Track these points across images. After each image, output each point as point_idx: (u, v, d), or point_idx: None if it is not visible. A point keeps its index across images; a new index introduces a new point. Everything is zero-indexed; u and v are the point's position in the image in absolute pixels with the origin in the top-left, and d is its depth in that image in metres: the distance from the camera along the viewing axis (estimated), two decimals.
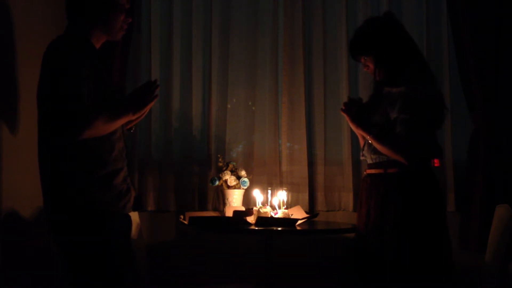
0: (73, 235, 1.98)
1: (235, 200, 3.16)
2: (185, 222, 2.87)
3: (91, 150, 1.98)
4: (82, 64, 1.95)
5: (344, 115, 2.54)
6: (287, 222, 2.69)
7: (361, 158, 2.62)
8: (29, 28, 2.56)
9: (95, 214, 1.98)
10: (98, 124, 1.94)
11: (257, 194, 2.95)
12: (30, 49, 2.49)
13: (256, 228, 2.62)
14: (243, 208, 3.04)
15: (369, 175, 2.51)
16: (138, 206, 2.20)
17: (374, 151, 2.47)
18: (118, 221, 2.05)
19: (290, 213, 2.87)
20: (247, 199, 3.25)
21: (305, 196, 3.42)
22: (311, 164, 3.48)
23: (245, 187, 3.19)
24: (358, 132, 2.54)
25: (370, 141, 2.46)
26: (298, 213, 2.99)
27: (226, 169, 3.20)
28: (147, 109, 2.11)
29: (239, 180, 3.17)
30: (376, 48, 2.47)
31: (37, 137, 2.04)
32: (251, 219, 2.79)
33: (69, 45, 1.99)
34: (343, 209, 3.46)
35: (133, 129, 2.32)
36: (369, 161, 2.52)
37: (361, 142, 2.62)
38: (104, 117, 1.96)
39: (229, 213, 3.00)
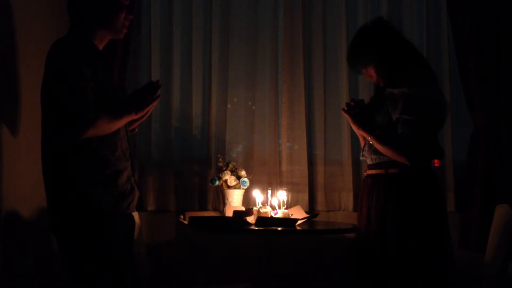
0: (73, 236, 1.98)
1: (235, 200, 3.15)
2: (185, 222, 2.87)
3: (94, 150, 1.99)
4: (84, 65, 1.96)
5: (346, 115, 2.53)
6: (287, 222, 2.69)
7: (361, 158, 2.61)
8: (31, 29, 2.56)
9: (96, 215, 1.98)
10: (100, 123, 1.95)
11: (257, 194, 2.95)
12: (32, 50, 2.49)
13: (256, 228, 2.62)
14: (243, 208, 3.04)
15: (370, 175, 2.50)
16: (139, 206, 2.20)
17: (374, 151, 2.46)
18: (119, 222, 2.05)
19: (290, 213, 2.87)
20: (247, 199, 3.25)
21: (305, 196, 3.41)
22: (311, 164, 3.47)
23: (245, 187, 3.19)
24: (360, 133, 2.53)
25: (371, 142, 2.46)
26: (298, 213, 2.99)
27: (226, 169, 3.20)
28: (150, 109, 2.12)
29: (239, 180, 3.17)
30: (374, 57, 2.45)
31: (40, 138, 2.05)
32: (251, 219, 2.79)
33: (71, 46, 2.00)
34: (343, 209, 3.46)
35: (136, 129, 2.33)
36: (370, 161, 2.51)
37: (362, 143, 2.62)
38: (106, 116, 1.97)
39: (229, 213, 3.00)
